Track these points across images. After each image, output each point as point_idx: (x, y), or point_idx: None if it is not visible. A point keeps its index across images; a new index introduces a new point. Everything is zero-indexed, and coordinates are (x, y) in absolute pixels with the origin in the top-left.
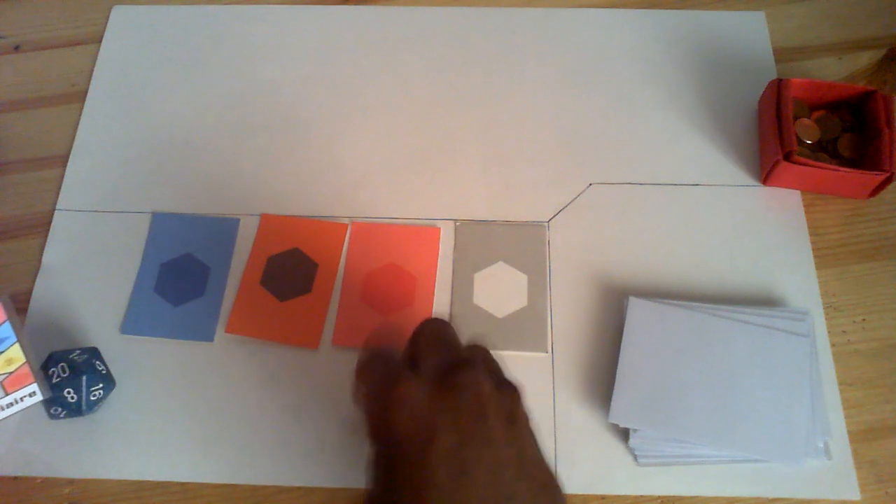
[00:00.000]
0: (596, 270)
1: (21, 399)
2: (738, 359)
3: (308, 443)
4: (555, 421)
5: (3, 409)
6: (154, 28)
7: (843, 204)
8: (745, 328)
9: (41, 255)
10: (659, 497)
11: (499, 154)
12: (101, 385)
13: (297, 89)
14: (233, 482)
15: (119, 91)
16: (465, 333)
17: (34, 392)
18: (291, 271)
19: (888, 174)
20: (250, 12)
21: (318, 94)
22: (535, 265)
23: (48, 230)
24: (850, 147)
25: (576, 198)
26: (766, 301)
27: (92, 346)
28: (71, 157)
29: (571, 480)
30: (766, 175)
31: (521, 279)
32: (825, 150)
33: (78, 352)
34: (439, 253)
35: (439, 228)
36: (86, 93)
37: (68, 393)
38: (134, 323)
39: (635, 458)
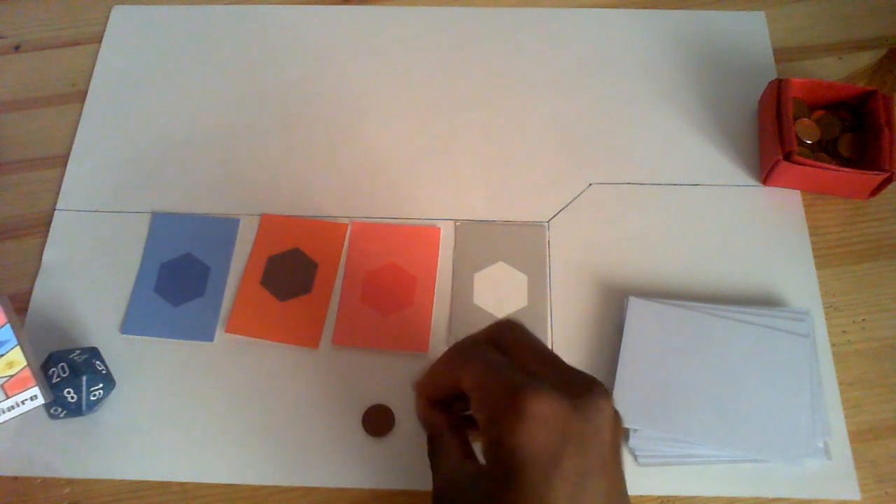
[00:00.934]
0: (596, 270)
1: (22, 402)
2: (738, 359)
3: (308, 443)
4: None
5: (4, 412)
6: (154, 28)
7: (843, 204)
8: (745, 328)
9: (41, 255)
10: (659, 497)
11: (499, 154)
12: (101, 385)
13: (297, 89)
14: (233, 482)
15: (119, 91)
16: (467, 333)
17: (35, 395)
18: (291, 271)
19: (888, 174)
20: (250, 12)
21: (318, 94)
22: (535, 265)
23: (48, 230)
24: (850, 147)
25: (576, 198)
26: (766, 301)
27: (92, 346)
28: (71, 157)
29: None
30: (766, 175)
31: (521, 279)
32: (825, 150)
33: (78, 352)
34: (439, 253)
35: (439, 228)
36: (86, 93)
37: (68, 393)
38: (134, 323)
39: (635, 458)
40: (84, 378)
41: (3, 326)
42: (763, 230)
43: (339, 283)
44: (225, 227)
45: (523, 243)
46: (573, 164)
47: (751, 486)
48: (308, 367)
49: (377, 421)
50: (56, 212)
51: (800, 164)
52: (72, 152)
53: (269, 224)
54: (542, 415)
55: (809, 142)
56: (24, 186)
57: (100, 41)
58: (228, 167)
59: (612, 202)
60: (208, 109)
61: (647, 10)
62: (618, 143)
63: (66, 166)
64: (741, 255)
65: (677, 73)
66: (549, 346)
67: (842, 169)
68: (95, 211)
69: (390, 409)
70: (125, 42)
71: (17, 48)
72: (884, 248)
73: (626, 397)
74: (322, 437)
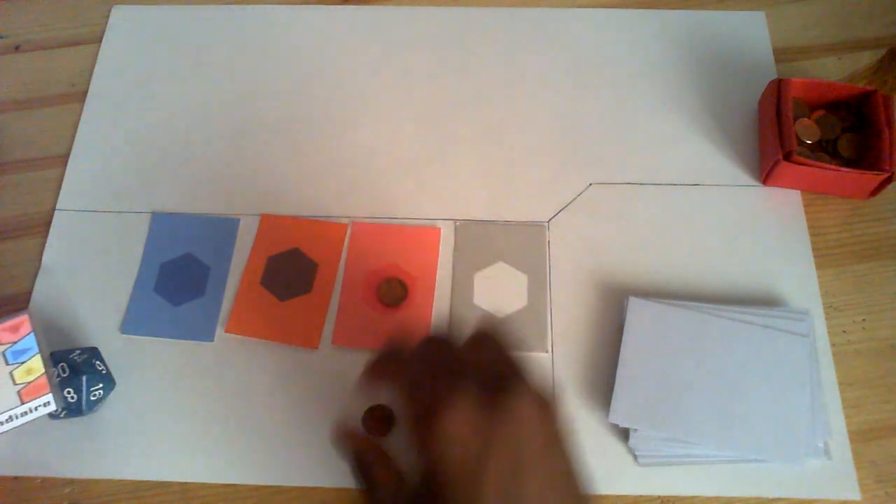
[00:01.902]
0: (596, 270)
1: (35, 409)
2: (738, 359)
3: (308, 443)
4: None
5: (17, 417)
6: (154, 28)
7: (843, 204)
8: (746, 328)
9: (41, 255)
10: (659, 497)
11: (499, 154)
12: (101, 385)
13: (297, 89)
14: (233, 482)
15: (119, 91)
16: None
17: (48, 402)
18: (291, 271)
19: (888, 174)
20: (250, 12)
21: (318, 94)
22: (535, 265)
23: (48, 230)
24: (850, 147)
25: (576, 198)
26: (766, 301)
27: (92, 346)
28: (71, 157)
29: None
30: (766, 175)
31: (521, 279)
32: (825, 150)
33: (78, 352)
34: (439, 253)
35: (439, 228)
36: (86, 93)
37: (68, 393)
38: (134, 323)
39: (635, 458)
40: (84, 378)
41: (27, 336)
42: (763, 230)
43: (339, 283)
44: (225, 227)
45: (523, 243)
46: (573, 164)
47: (751, 486)
48: (308, 367)
49: (377, 421)
50: (56, 212)
51: (800, 164)
52: (72, 152)
53: (269, 224)
54: (454, 431)
55: (809, 142)
56: (24, 186)
57: (100, 41)
58: (228, 167)
59: (612, 202)
60: (208, 109)
61: (647, 10)
62: (618, 143)
63: (66, 166)
64: (741, 255)
65: (677, 74)
66: (549, 347)
67: (842, 169)
68: (95, 211)
69: (390, 409)
70: (125, 42)
71: (17, 48)
72: (884, 248)
73: (626, 397)
74: (322, 437)
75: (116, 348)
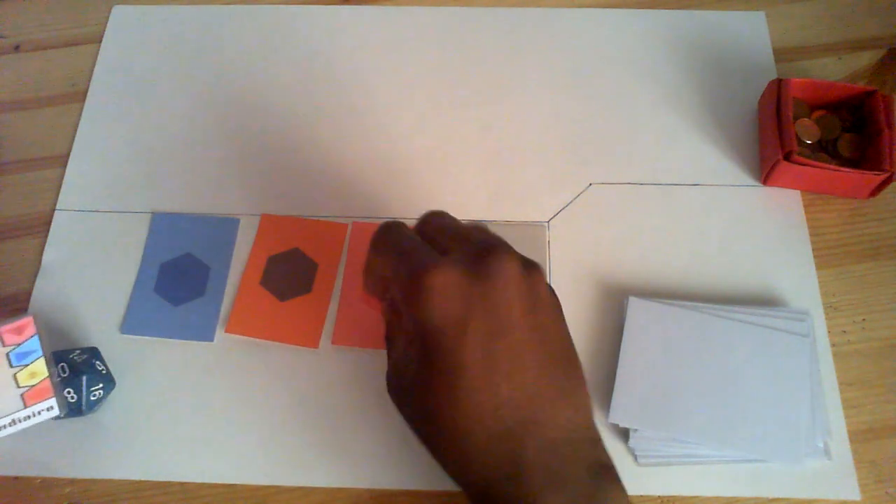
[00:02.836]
0: (596, 270)
1: (38, 413)
2: (738, 359)
3: (308, 443)
4: None
5: (20, 421)
6: (154, 28)
7: (843, 204)
8: (745, 328)
9: (41, 255)
10: (659, 497)
11: (499, 154)
12: (101, 385)
13: (297, 89)
14: (233, 482)
15: (119, 91)
16: None
17: (52, 406)
18: (291, 271)
19: (888, 174)
20: (250, 12)
21: (318, 94)
22: None
23: (48, 230)
24: (850, 147)
25: (576, 198)
26: (766, 301)
27: (92, 346)
28: (71, 157)
29: None
30: (766, 175)
31: None
32: (825, 150)
33: (78, 352)
34: None
35: None
36: (86, 93)
37: (68, 393)
38: (134, 323)
39: (635, 458)
40: (84, 378)
41: (31, 338)
42: (763, 230)
43: (339, 283)
44: (225, 227)
45: (523, 243)
46: (573, 164)
47: (751, 486)
48: (308, 367)
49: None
50: (56, 212)
51: (800, 164)
52: (72, 152)
53: (269, 224)
54: (441, 286)
55: (809, 142)
56: (24, 186)
57: (100, 41)
58: (228, 167)
59: (612, 202)
60: (208, 109)
61: (647, 10)
62: (618, 143)
63: (66, 166)
64: (741, 255)
65: (677, 73)
66: None
67: (842, 169)
68: (95, 211)
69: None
70: (125, 42)
71: (17, 48)
72: (884, 248)
73: (626, 397)
74: (322, 437)
75: (116, 348)
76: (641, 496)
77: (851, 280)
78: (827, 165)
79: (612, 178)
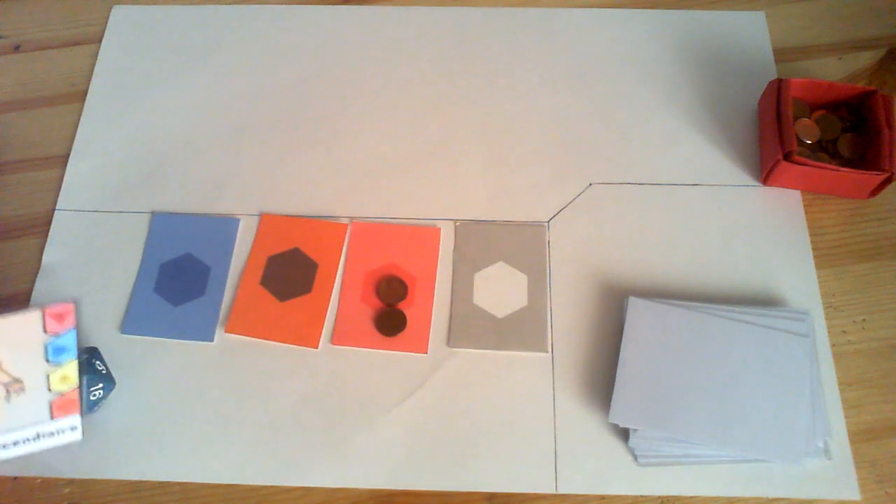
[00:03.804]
0: (596, 270)
1: (62, 431)
2: (738, 359)
3: (308, 443)
4: (555, 421)
5: (43, 437)
6: (154, 28)
7: (843, 204)
8: (745, 328)
9: (41, 255)
10: (659, 497)
11: (499, 154)
12: (101, 385)
13: (297, 89)
14: (233, 482)
15: (119, 91)
16: (467, 334)
17: (75, 427)
18: (291, 271)
19: (888, 174)
20: (250, 12)
21: (318, 94)
22: (535, 265)
23: (48, 230)
24: (850, 147)
25: (576, 198)
26: (766, 301)
27: (92, 346)
28: (71, 157)
29: (571, 480)
30: (766, 175)
31: (521, 279)
32: (825, 150)
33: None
34: (439, 253)
35: (439, 228)
36: (86, 93)
37: None
38: (134, 323)
39: (635, 458)
40: (84, 378)
41: (69, 330)
42: (763, 230)
43: (339, 283)
44: (225, 227)
45: (523, 243)
46: (573, 164)
47: (751, 486)
48: (308, 367)
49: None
50: (56, 212)
51: (800, 164)
52: (72, 152)
53: (269, 224)
54: None
55: (809, 142)
56: (24, 186)
57: (100, 41)
58: (228, 167)
59: (612, 202)
60: (208, 109)
61: (647, 10)
62: (618, 143)
63: (66, 166)
64: (741, 255)
65: (677, 73)
66: (549, 347)
67: (842, 169)
68: (95, 211)
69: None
70: (125, 42)
71: (17, 48)
72: (884, 248)
73: (626, 397)
74: (322, 436)
75: (116, 348)
76: (641, 496)
77: (851, 280)
78: (827, 165)
79: (612, 178)
